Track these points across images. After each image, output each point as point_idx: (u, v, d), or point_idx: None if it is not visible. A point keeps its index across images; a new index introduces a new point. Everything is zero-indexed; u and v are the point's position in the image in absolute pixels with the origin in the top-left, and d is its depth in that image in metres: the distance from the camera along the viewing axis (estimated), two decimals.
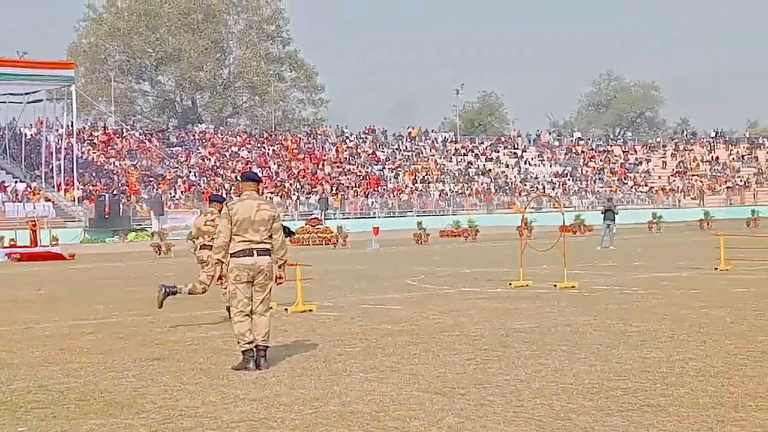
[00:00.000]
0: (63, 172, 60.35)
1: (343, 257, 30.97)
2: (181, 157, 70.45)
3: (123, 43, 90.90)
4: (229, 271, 9.10)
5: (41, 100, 64.61)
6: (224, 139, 77.06)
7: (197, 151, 72.03)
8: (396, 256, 30.22)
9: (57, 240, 41.06)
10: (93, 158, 66.85)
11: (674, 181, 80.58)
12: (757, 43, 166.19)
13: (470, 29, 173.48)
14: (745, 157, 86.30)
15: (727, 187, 78.89)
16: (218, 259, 9.13)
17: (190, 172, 67.64)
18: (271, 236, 9.18)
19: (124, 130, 74.26)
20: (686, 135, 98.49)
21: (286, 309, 13.61)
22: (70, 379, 8.74)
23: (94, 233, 53.46)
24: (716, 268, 19.02)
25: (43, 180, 61.11)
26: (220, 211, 13.04)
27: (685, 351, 9.15)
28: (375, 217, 62.33)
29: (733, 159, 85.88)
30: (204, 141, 75.12)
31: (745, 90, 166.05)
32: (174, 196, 61.86)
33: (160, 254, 35.22)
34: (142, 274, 25.01)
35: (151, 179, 64.73)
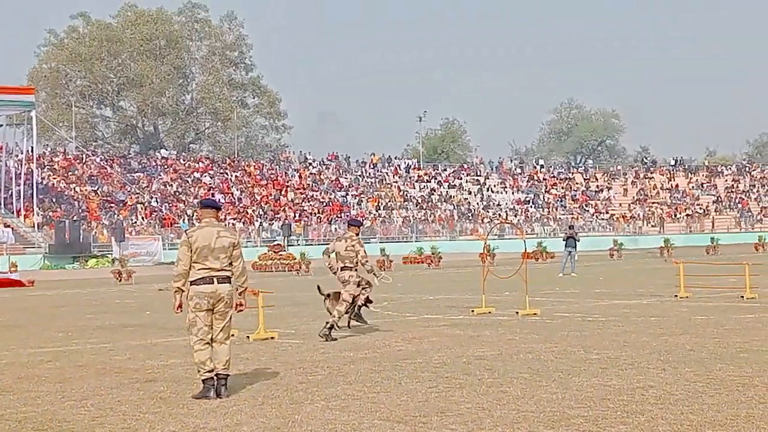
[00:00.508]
0: (23, 198, 59.76)
1: (306, 284, 30.86)
2: (143, 183, 70.03)
3: (84, 68, 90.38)
4: (189, 299, 9.04)
5: (1, 126, 64.03)
6: (186, 165, 76.73)
7: (159, 177, 71.64)
8: None
9: (16, 266, 40.55)
10: (53, 184, 66.25)
11: (635, 208, 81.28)
12: (714, 73, 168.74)
13: (431, 58, 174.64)
14: (704, 185, 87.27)
15: (687, 215, 79.67)
16: (177, 288, 9.06)
17: (151, 198, 67.23)
18: (231, 263, 9.14)
19: (85, 156, 73.75)
20: (646, 163, 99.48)
21: (248, 336, 13.53)
22: (28, 408, 8.62)
23: (54, 260, 52.89)
24: (676, 296, 19.18)
25: (2, 206, 60.43)
26: (357, 235, 13.39)
27: (646, 378, 9.21)
28: None
29: (693, 187, 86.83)
30: (166, 167, 74.76)
31: (704, 119, 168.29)
32: (135, 222, 61.42)
33: (120, 281, 34.90)
34: (103, 301, 24.76)
35: (112, 205, 64.24)
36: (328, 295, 14.70)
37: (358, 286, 14.11)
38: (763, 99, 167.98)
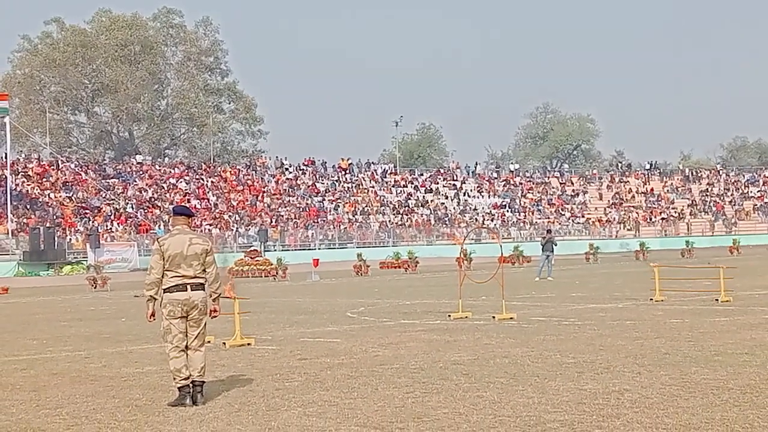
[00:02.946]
0: None
1: (283, 289, 30.81)
2: (118, 189, 69.68)
3: (58, 74, 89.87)
4: (163, 306, 9.01)
5: None
6: (162, 171, 76.42)
7: (134, 183, 71.31)
8: (336, 288, 30.15)
9: None
10: (27, 190, 65.76)
11: (610, 212, 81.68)
12: (688, 77, 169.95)
13: (409, 61, 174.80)
14: (679, 189, 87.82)
15: (662, 219, 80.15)
16: (150, 296, 9.03)
17: (127, 204, 66.90)
18: (204, 270, 9.12)
19: (60, 162, 73.32)
20: (621, 167, 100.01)
21: (224, 343, 13.49)
22: (2, 417, 8.56)
23: (28, 266, 52.50)
24: (651, 299, 19.28)
25: None
26: None
27: (621, 382, 9.25)
28: (315, 249, 62.18)
29: (668, 191, 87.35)
30: (141, 173, 74.41)
31: (678, 123, 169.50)
32: (110, 229, 61.10)
33: (95, 288, 34.69)
34: (77, 308, 24.61)
35: (87, 211, 63.86)
36: None
37: None
38: (737, 103, 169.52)
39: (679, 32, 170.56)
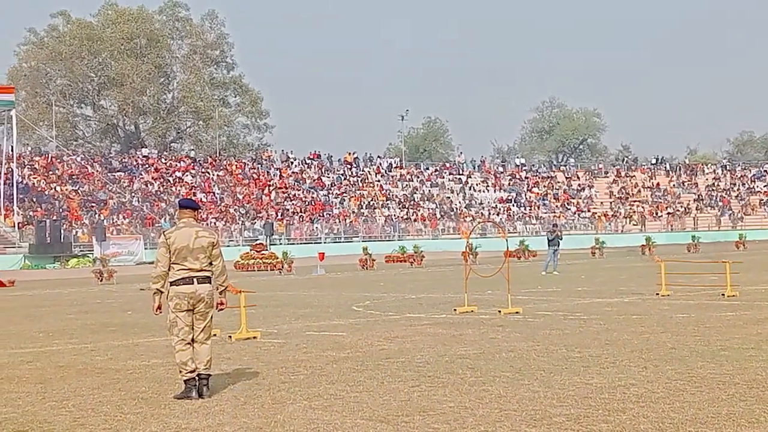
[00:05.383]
0: (2, 198, 59.42)
1: (289, 283, 30.83)
2: (124, 182, 69.76)
3: (65, 67, 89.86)
4: (169, 299, 9.02)
5: None
6: (168, 164, 76.47)
7: (140, 177, 71.37)
8: (341, 282, 30.16)
9: None
10: (33, 183, 65.89)
11: (616, 206, 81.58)
12: (695, 72, 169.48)
13: (415, 54, 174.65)
14: (685, 183, 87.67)
15: (668, 213, 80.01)
16: (156, 289, 9.03)
17: (132, 197, 66.97)
18: (211, 263, 9.13)
19: (66, 155, 73.37)
20: (628, 161, 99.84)
21: (230, 336, 13.50)
22: (8, 409, 8.57)
23: (35, 259, 52.63)
24: (657, 294, 19.25)
25: None
26: None
27: (627, 376, 9.24)
28: (320, 243, 62.22)
29: (674, 185, 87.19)
30: (147, 166, 74.48)
31: (685, 117, 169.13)
32: (116, 222, 61.17)
33: (101, 281, 34.75)
34: (84, 301, 24.65)
35: (93, 205, 63.95)
36: None
37: None
38: (743, 97, 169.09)
39: (686, 26, 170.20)
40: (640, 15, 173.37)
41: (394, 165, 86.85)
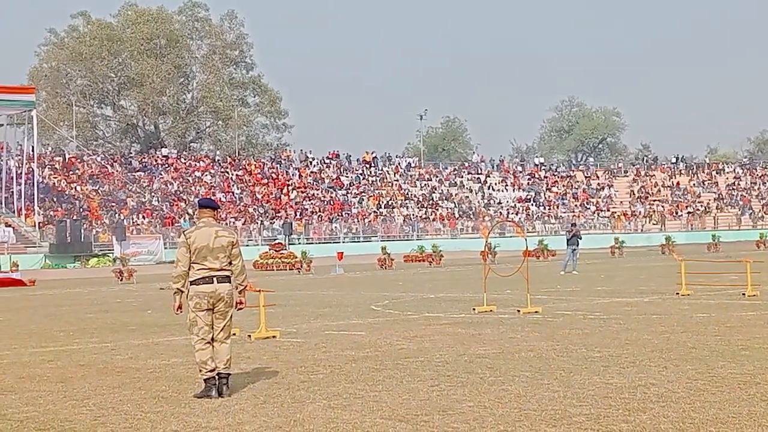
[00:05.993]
0: (23, 198, 59.77)
1: (307, 282, 30.87)
2: (144, 182, 70.04)
3: (85, 67, 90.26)
4: (189, 298, 9.05)
5: (1, 125, 64.08)
6: (187, 164, 76.72)
7: (160, 176, 71.64)
8: (360, 282, 30.18)
9: (17, 266, 40.55)
10: (54, 183, 66.25)
11: (636, 206, 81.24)
12: (715, 71, 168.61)
13: (434, 54, 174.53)
14: (706, 183, 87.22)
15: (688, 212, 79.62)
16: (177, 289, 9.07)
17: (152, 197, 67.23)
18: (230, 262, 9.16)
19: (86, 155, 73.71)
20: (647, 161, 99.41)
21: (250, 335, 13.53)
22: (30, 408, 8.62)
23: (55, 259, 52.92)
24: (677, 293, 19.17)
25: (3, 205, 60.47)
26: None
27: (647, 376, 9.20)
28: (339, 242, 62.28)
29: (694, 184, 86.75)
30: (167, 166, 74.75)
31: (705, 116, 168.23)
32: (136, 222, 61.43)
33: (122, 280, 34.91)
34: (104, 300, 24.77)
35: (113, 204, 64.25)
36: None
37: None
38: (764, 96, 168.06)
39: (706, 25, 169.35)
40: (660, 14, 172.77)
41: (412, 164, 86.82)
